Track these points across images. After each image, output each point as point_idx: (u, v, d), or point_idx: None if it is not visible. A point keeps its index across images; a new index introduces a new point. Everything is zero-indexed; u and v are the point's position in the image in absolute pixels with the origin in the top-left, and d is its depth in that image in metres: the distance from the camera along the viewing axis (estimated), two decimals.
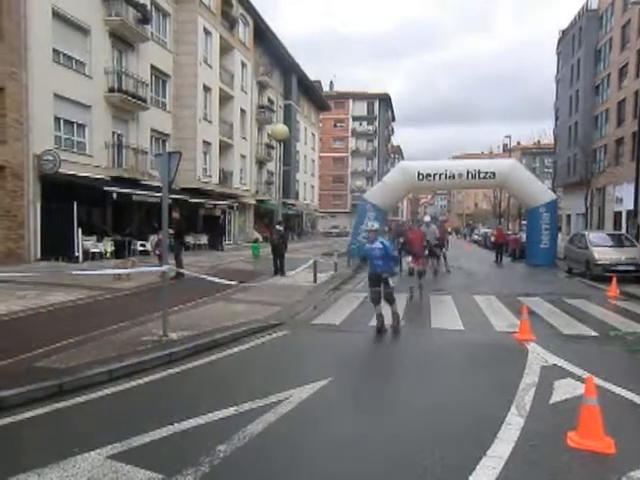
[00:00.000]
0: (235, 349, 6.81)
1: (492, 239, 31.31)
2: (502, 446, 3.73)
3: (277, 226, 17.07)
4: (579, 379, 5.30)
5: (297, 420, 4.32)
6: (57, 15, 18.27)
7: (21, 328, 7.51)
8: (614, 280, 12.84)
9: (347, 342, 7.44)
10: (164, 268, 7.24)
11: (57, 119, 18.54)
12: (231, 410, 4.44)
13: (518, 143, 79.11)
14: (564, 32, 49.53)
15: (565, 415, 4.27)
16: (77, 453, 3.60)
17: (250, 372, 5.94)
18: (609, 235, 18.75)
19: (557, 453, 3.69)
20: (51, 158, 17.05)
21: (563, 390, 4.98)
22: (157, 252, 13.77)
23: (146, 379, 5.45)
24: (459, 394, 5.05)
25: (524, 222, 43.97)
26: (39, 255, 17.24)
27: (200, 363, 6.11)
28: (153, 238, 15.28)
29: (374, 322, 8.73)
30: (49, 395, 4.81)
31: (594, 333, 7.99)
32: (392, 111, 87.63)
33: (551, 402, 4.66)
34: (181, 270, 11.47)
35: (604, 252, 15.92)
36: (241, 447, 3.74)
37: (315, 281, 13.54)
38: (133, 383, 5.29)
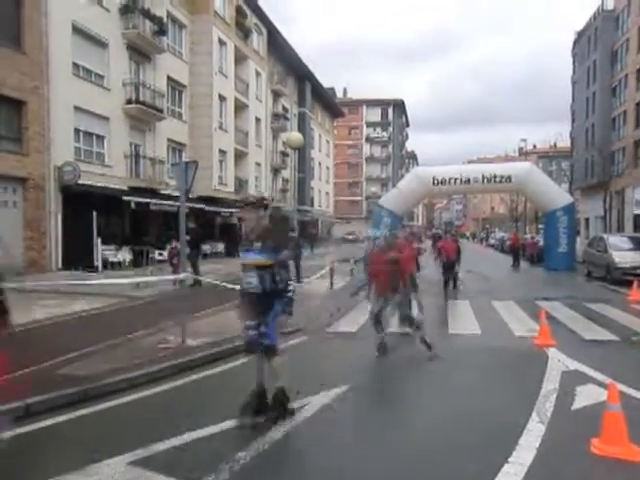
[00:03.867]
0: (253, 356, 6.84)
1: (508, 243, 31.05)
2: (524, 453, 3.69)
3: (291, 233, 17.11)
4: (601, 385, 5.22)
5: (317, 426, 4.33)
6: (76, 29, 18.71)
7: (45, 336, 7.66)
8: (635, 284, 12.61)
9: (364, 349, 7.41)
10: (182, 276, 7.33)
11: (77, 131, 18.93)
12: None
13: (534, 146, 78.32)
14: (579, 33, 49.03)
15: (588, 422, 4.21)
16: (99, 459, 3.65)
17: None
18: (629, 238, 18.44)
19: (580, 460, 3.64)
20: (71, 169, 17.39)
21: (585, 396, 4.91)
22: (174, 262, 13.92)
23: (166, 386, 5.51)
24: (479, 400, 5.01)
25: (541, 226, 43.59)
26: (60, 265, 17.56)
27: (219, 370, 6.16)
28: (168, 247, 15.45)
29: (391, 329, 8.70)
30: (73, 402, 4.90)
31: (616, 338, 7.86)
32: (406, 117, 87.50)
33: (573, 408, 4.60)
34: (199, 277, 11.57)
35: (624, 255, 15.66)
36: (261, 454, 3.77)
37: (332, 287, 13.55)
38: (153, 390, 5.35)
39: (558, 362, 6.32)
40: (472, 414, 4.61)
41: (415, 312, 7.12)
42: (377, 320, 6.91)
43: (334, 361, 6.87)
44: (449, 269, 13.57)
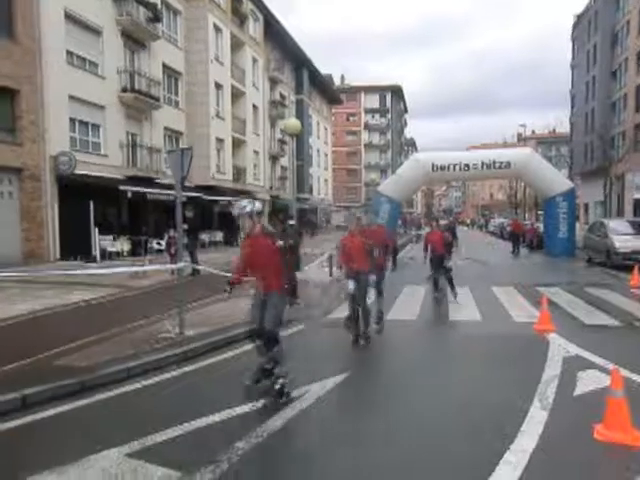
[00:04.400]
0: (251, 345, 6.79)
1: (508, 229, 30.95)
2: (526, 440, 3.64)
3: (290, 221, 16.94)
4: (603, 370, 5.18)
5: (316, 416, 4.29)
6: (69, 17, 18.42)
7: (42, 327, 7.61)
8: (636, 269, 12.55)
9: None
10: (179, 265, 7.26)
11: (72, 120, 18.73)
12: (248, 407, 4.43)
13: (533, 132, 77.90)
14: (579, 17, 48.50)
15: (590, 407, 4.17)
16: (97, 451, 3.61)
17: None
18: (629, 223, 18.35)
19: (583, 446, 3.60)
20: (67, 159, 17.23)
21: (587, 382, 4.86)
22: (172, 251, 13.86)
23: (163, 377, 5.47)
24: (480, 387, 4.97)
25: (540, 212, 43.46)
26: (59, 255, 17.48)
27: (216, 360, 6.11)
28: (166, 237, 15.38)
29: (391, 316, 8.67)
30: (71, 393, 4.86)
31: (617, 323, 7.82)
32: (404, 103, 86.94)
33: (575, 394, 4.55)
34: (197, 266, 11.51)
35: (625, 240, 15.58)
36: (260, 443, 3.72)
37: (331, 275, 13.49)
38: (150, 381, 5.31)
39: (559, 347, 6.28)
40: (473, 401, 4.56)
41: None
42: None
43: (332, 349, 6.82)
44: (437, 265, 10.54)
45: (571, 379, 4.96)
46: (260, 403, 4.50)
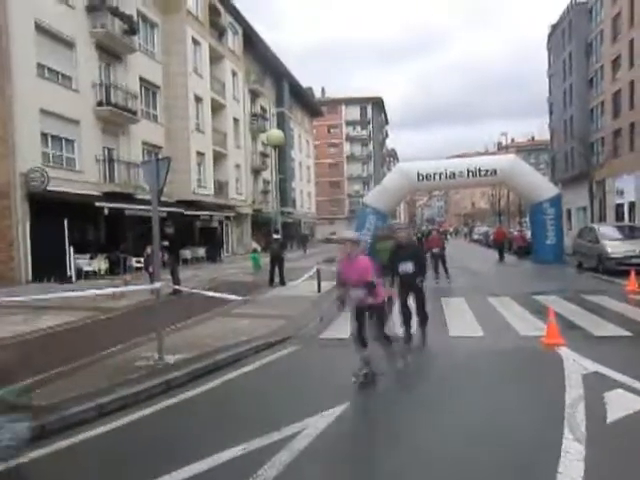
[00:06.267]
0: (238, 371, 6.17)
1: (492, 237, 30.77)
2: None
3: (274, 235, 16.49)
4: (630, 389, 4.69)
5: (316, 459, 3.69)
6: (40, 28, 17.76)
7: (5, 358, 6.85)
8: (632, 274, 12.24)
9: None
10: (157, 285, 6.62)
11: (44, 135, 17.97)
12: (239, 449, 3.80)
13: (512, 140, 78.89)
14: (554, 26, 49.32)
15: (631, 438, 3.65)
16: None
17: (257, 399, 5.28)
18: (618, 227, 18.24)
19: None
20: (39, 175, 16.45)
21: (617, 405, 4.35)
22: (150, 270, 13.15)
23: (140, 413, 4.81)
24: (499, 415, 4.40)
25: (525, 219, 43.61)
26: (30, 276, 16.58)
27: (200, 391, 5.46)
28: (145, 254, 14.66)
29: (387, 331, 8.11)
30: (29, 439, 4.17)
31: (627, 333, 7.38)
32: (385, 114, 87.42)
33: (609, 421, 4.02)
34: (177, 287, 10.84)
35: (616, 245, 15.37)
36: None
37: (319, 290, 12.91)
38: (126, 419, 4.64)
39: (574, 363, 5.78)
40: (493, 432, 4.01)
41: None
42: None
43: (329, 374, 6.21)
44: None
45: (598, 402, 4.44)
46: (250, 445, 3.88)
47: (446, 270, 15.45)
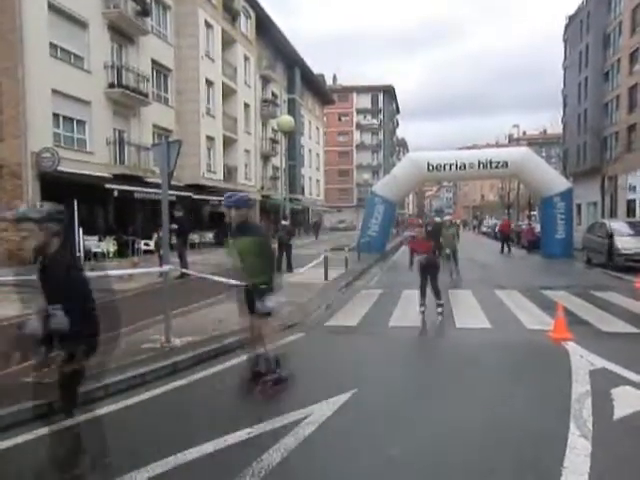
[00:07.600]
0: (245, 356, 6.20)
1: (498, 229, 30.59)
2: None
3: (283, 221, 16.49)
4: (638, 387, 4.66)
5: (321, 446, 3.70)
6: (53, 8, 17.66)
7: (13, 337, 6.92)
8: None
9: (367, 346, 6.81)
10: (165, 268, 6.64)
11: (56, 115, 17.96)
12: (244, 433, 3.83)
13: (524, 133, 78.05)
14: (571, 18, 48.39)
15: (638, 435, 3.63)
16: None
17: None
18: (630, 223, 18.02)
19: None
20: (50, 155, 16.48)
21: (624, 401, 4.32)
22: (161, 252, 13.21)
23: (147, 394, 4.86)
24: (505, 408, 4.39)
25: (534, 213, 43.22)
26: None
27: (207, 373, 5.50)
28: (155, 237, 14.71)
29: (393, 322, 8.13)
30: (38, 416, 4.22)
31: (636, 330, 7.32)
32: (396, 103, 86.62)
33: (616, 417, 4.00)
34: (185, 270, 10.87)
35: (627, 241, 15.22)
36: None
37: (326, 278, 12.92)
38: (132, 400, 4.69)
39: (581, 359, 5.75)
40: (499, 426, 4.01)
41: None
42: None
43: (335, 361, 6.24)
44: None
45: (605, 398, 4.42)
46: (255, 429, 3.91)
47: (456, 264, 14.20)
